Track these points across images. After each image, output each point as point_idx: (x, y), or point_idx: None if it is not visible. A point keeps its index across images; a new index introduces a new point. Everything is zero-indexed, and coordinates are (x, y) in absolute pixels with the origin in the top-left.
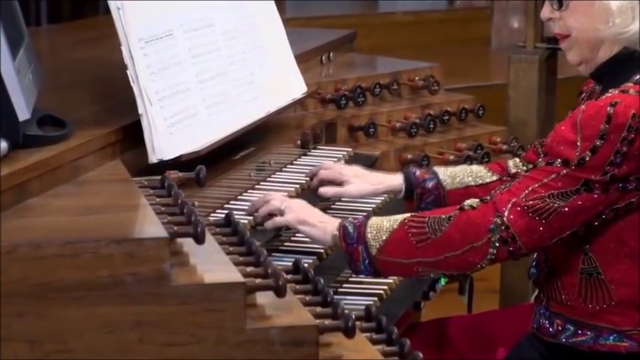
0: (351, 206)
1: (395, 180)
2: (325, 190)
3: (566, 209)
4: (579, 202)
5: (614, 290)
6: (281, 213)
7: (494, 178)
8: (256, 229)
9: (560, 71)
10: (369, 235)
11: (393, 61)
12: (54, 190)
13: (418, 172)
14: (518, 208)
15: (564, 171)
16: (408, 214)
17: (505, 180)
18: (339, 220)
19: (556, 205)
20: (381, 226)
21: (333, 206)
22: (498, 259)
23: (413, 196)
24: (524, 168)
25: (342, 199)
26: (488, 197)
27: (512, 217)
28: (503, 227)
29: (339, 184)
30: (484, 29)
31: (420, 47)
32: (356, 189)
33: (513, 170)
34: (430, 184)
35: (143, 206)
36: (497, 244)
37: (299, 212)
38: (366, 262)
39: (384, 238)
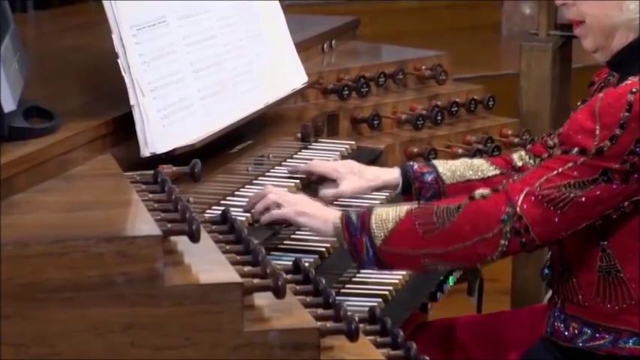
0: (351, 203)
1: (391, 174)
2: (323, 194)
3: (583, 199)
4: (597, 193)
5: (634, 289)
6: (278, 207)
7: (497, 172)
8: (254, 226)
9: (574, 60)
10: (373, 225)
11: (399, 49)
12: (41, 186)
13: (416, 166)
14: (532, 198)
15: (581, 160)
16: (415, 203)
17: (509, 174)
18: (340, 211)
19: (572, 194)
20: (387, 216)
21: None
22: (510, 252)
23: (411, 191)
24: (531, 161)
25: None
26: (501, 186)
27: (525, 206)
28: (515, 217)
29: (333, 181)
30: (494, 16)
31: (426, 35)
32: (351, 187)
33: (519, 163)
34: (429, 178)
35: (135, 202)
36: (509, 236)
37: (297, 205)
38: (370, 253)
39: (390, 227)
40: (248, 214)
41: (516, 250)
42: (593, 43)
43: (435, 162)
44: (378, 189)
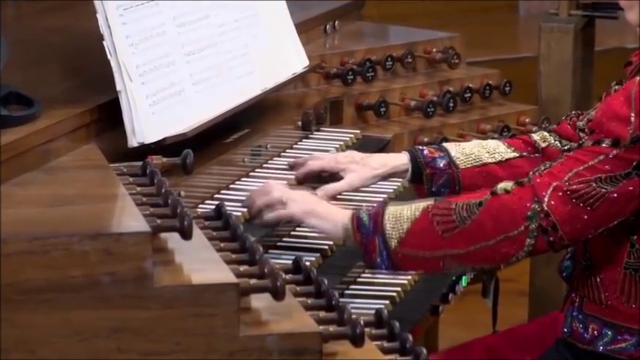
0: (357, 197)
1: (399, 160)
2: (324, 192)
3: (615, 195)
4: (630, 188)
5: None
6: (282, 205)
7: (516, 154)
8: (252, 223)
9: (598, 42)
10: (387, 225)
11: (407, 30)
12: (20, 178)
13: (426, 150)
14: (560, 193)
15: (614, 152)
16: (431, 201)
17: (530, 158)
18: (350, 210)
19: (603, 190)
20: (401, 215)
21: (332, 202)
22: (537, 251)
23: (421, 178)
24: (557, 143)
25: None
26: (526, 179)
27: (553, 202)
28: (542, 215)
29: (335, 174)
30: None
31: (437, 15)
32: (357, 177)
33: (543, 144)
34: (441, 163)
35: (122, 196)
36: (536, 234)
37: (304, 203)
38: (384, 255)
39: (405, 228)
40: (245, 209)
41: (543, 249)
42: (639, 15)
43: (447, 145)
44: (386, 177)
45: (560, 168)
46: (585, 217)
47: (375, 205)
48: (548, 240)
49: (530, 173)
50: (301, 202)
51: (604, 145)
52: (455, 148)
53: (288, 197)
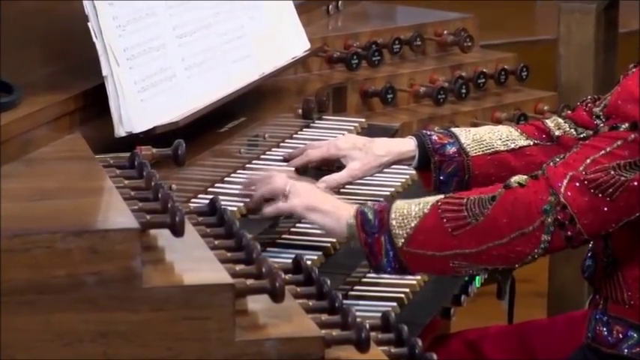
0: (362, 190)
1: (405, 146)
2: (326, 184)
3: (635, 183)
4: None
5: None
6: (284, 197)
7: (530, 142)
8: (248, 218)
9: (621, 24)
10: (393, 223)
11: (416, 11)
12: None
13: (435, 136)
14: (577, 183)
15: (632, 136)
16: (441, 196)
17: (544, 147)
18: (355, 206)
19: (623, 178)
20: (409, 211)
21: (334, 195)
22: (554, 248)
23: (429, 165)
24: (572, 131)
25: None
26: (540, 172)
27: (569, 194)
28: (559, 207)
29: (336, 161)
30: None
31: None
32: (360, 166)
33: (557, 132)
34: (451, 150)
35: (108, 190)
36: (552, 229)
37: (307, 197)
38: (390, 254)
39: (413, 225)
40: (241, 204)
41: (560, 245)
42: None
43: (456, 130)
44: (390, 164)
45: (576, 157)
46: (605, 208)
47: (381, 201)
48: (565, 235)
49: (544, 165)
50: (304, 196)
51: (621, 129)
52: (465, 134)
53: (291, 189)
